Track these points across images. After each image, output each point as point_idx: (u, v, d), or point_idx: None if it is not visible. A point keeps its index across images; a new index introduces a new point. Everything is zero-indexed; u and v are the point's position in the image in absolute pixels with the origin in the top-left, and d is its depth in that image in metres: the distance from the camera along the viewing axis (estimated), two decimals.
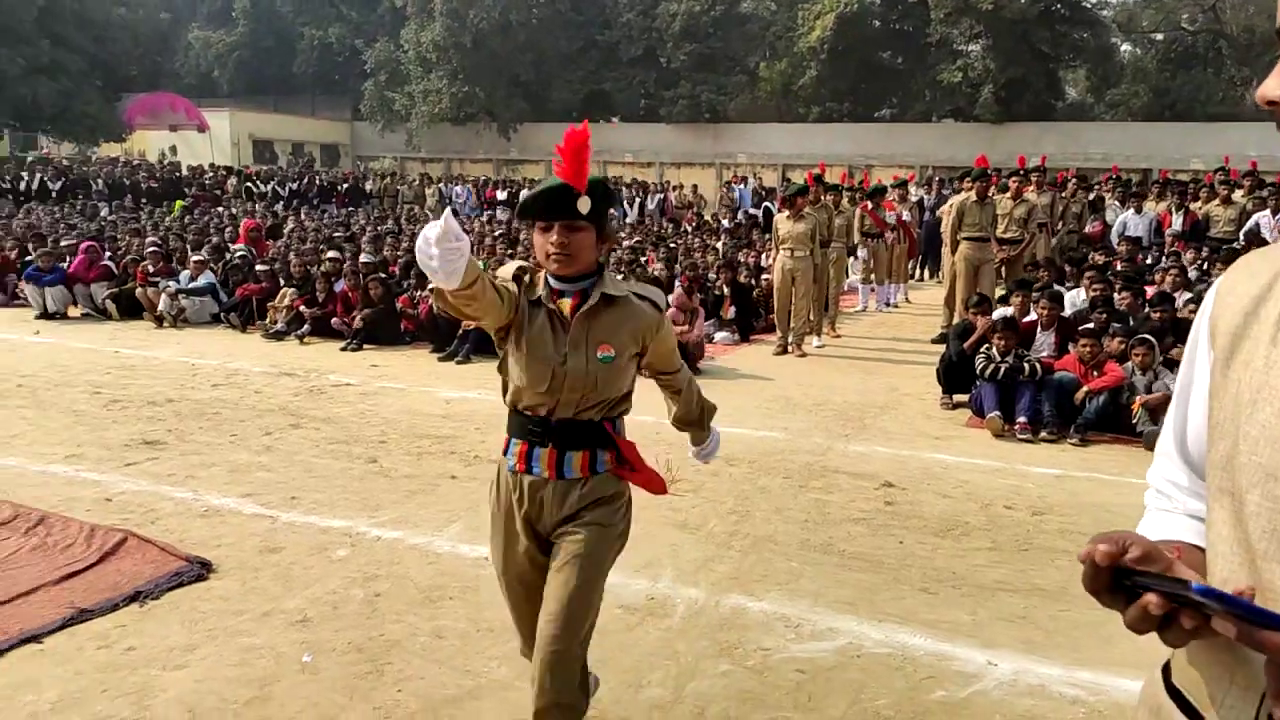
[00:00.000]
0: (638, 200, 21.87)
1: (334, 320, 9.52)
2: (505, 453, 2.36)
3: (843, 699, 2.99)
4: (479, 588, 3.74)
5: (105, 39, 31.45)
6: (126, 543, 4.07)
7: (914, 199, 15.43)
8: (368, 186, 25.19)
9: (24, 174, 20.61)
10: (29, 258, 11.26)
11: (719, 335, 9.83)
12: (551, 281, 2.27)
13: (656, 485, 2.47)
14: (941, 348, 7.92)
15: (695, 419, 2.63)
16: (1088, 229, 13.11)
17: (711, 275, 11.21)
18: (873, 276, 12.36)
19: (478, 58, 31.44)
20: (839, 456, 5.77)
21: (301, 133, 37.17)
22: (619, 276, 2.35)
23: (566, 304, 2.26)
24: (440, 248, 1.82)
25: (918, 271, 15.94)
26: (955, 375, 7.12)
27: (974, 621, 3.55)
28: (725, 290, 10.33)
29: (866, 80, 32.34)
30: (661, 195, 22.53)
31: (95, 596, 3.58)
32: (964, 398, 7.04)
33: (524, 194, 2.17)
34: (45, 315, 10.44)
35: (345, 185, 24.97)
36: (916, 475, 5.43)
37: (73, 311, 10.77)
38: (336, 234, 14.55)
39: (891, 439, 6.22)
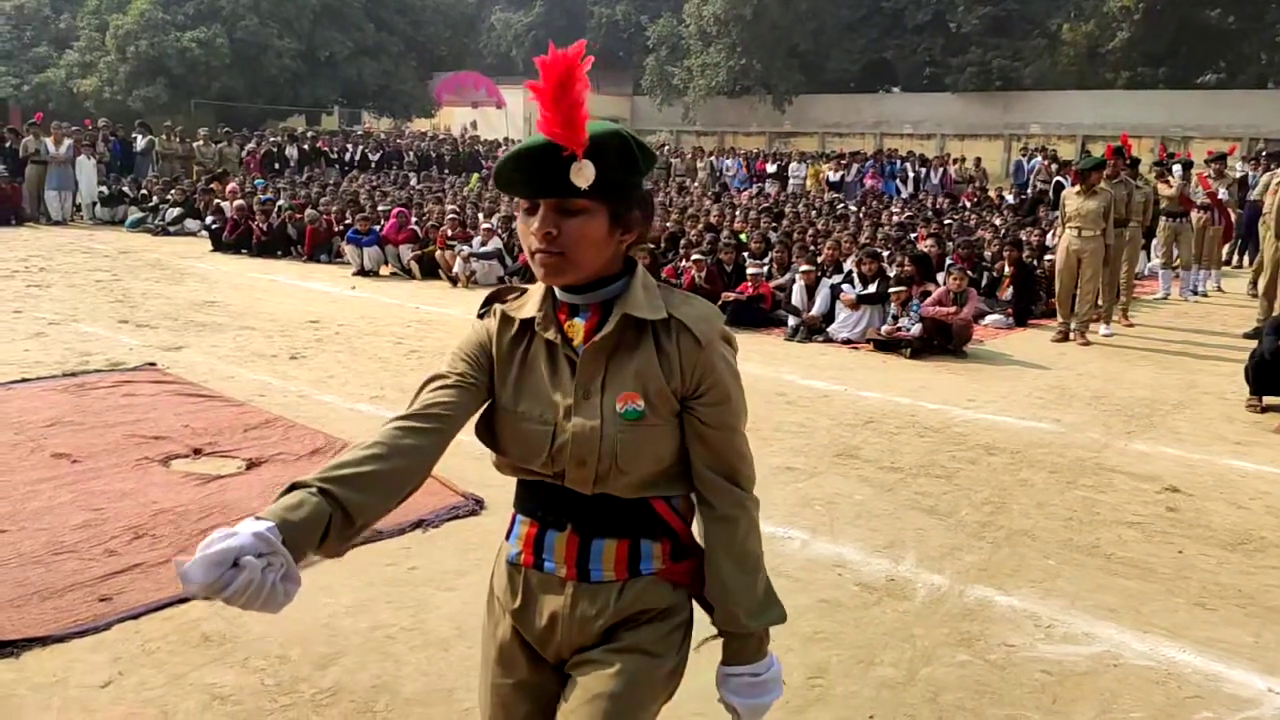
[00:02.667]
0: (913, 174, 21.04)
1: None
2: (509, 536, 1.60)
3: (1091, 706, 2.82)
4: None
5: (420, 22, 34.58)
6: None
7: (1236, 175, 13.71)
8: None
9: (349, 146, 23.20)
10: (347, 221, 12.75)
11: (990, 318, 9.32)
12: (557, 292, 1.48)
13: None
14: (1254, 343, 7.06)
15: (732, 597, 1.50)
16: None
17: (988, 254, 10.64)
18: (1176, 260, 11.17)
19: (757, 29, 31.47)
20: (1117, 455, 5.33)
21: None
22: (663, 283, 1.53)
23: (579, 327, 1.45)
24: (221, 598, 1.14)
25: (1235, 257, 14.20)
26: (1268, 375, 6.34)
27: (1256, 644, 3.19)
28: (1006, 269, 9.75)
29: (1187, 42, 28.97)
30: (942, 169, 21.52)
31: (387, 520, 4.04)
32: (1276, 400, 6.26)
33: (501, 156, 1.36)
34: (361, 272, 11.78)
35: None
36: (1207, 482, 4.91)
37: (384, 270, 12.06)
38: None
39: (1182, 440, 5.66)
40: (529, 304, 1.49)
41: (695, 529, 1.57)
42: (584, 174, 1.33)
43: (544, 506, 1.51)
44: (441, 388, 1.45)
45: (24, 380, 6.13)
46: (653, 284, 1.47)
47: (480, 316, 1.55)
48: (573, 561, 1.49)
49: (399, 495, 1.37)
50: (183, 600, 3.28)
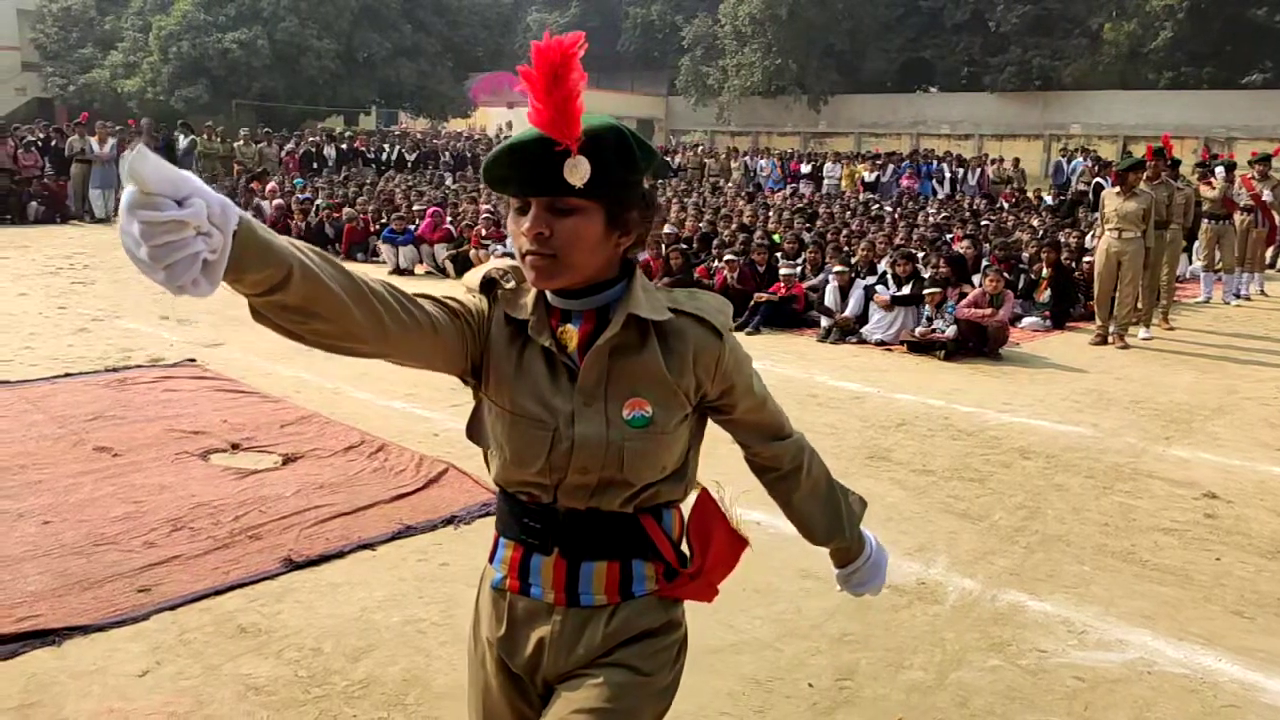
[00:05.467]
0: (950, 175, 20.84)
1: None
2: (492, 559, 1.50)
3: (1124, 714, 2.78)
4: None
5: (457, 23, 34.79)
6: (447, 473, 4.61)
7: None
8: (676, 160, 26.07)
9: (386, 146, 23.41)
10: (384, 220, 12.89)
11: (1026, 320, 9.21)
12: (549, 297, 1.38)
13: (727, 566, 1.55)
14: None
15: (829, 524, 1.61)
16: None
17: (1026, 255, 10.52)
18: (1219, 263, 10.97)
19: (792, 29, 31.35)
20: (1154, 460, 5.25)
21: (619, 108, 39.06)
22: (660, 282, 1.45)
23: (573, 334, 1.37)
24: (139, 220, 0.93)
25: (1279, 260, 13.91)
26: None
27: None
28: (1044, 271, 9.63)
29: (1233, 41, 28.42)
30: (979, 170, 21.29)
31: (419, 516, 4.10)
32: None
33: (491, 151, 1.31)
34: (397, 271, 11.88)
35: None
36: (1248, 488, 4.82)
37: (419, 269, 12.16)
38: None
39: (1221, 446, 5.56)
40: (524, 302, 1.38)
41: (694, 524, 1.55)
42: (578, 171, 1.22)
43: (528, 529, 1.42)
44: (440, 307, 1.34)
45: (67, 375, 6.26)
46: (651, 286, 1.40)
47: (481, 292, 1.41)
48: (561, 586, 1.41)
49: (358, 329, 1.18)
50: (219, 593, 3.35)
